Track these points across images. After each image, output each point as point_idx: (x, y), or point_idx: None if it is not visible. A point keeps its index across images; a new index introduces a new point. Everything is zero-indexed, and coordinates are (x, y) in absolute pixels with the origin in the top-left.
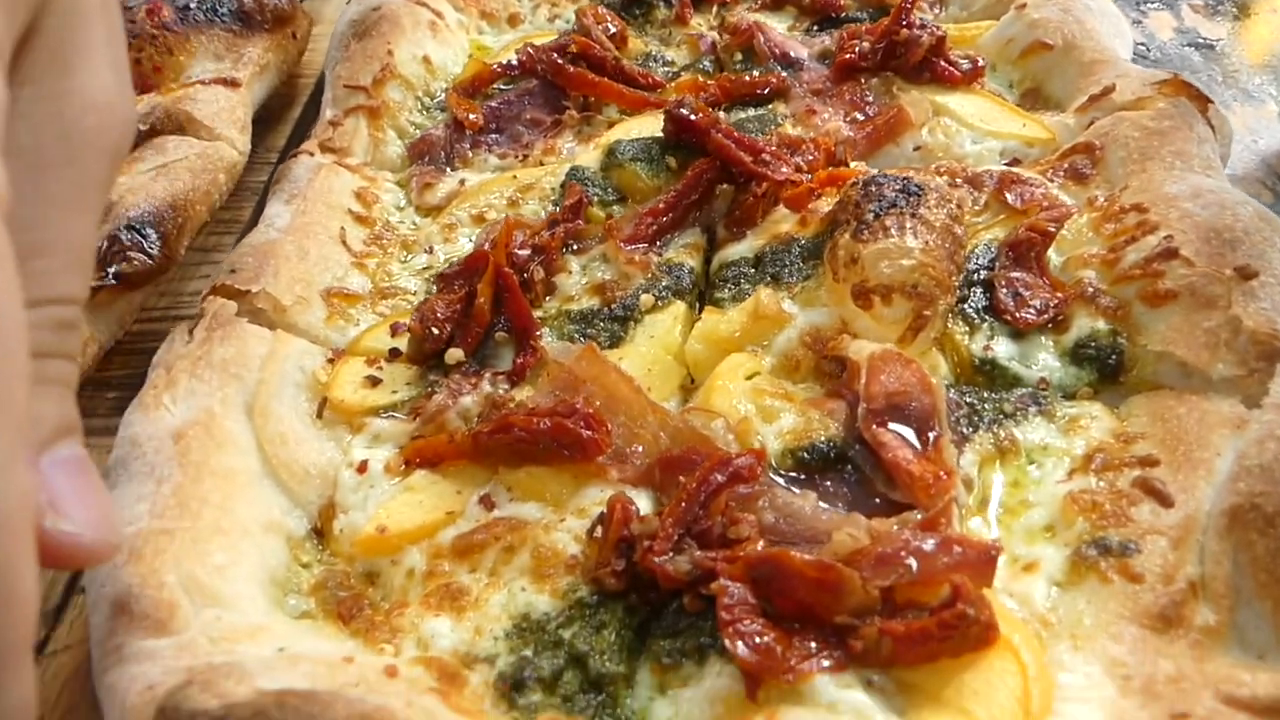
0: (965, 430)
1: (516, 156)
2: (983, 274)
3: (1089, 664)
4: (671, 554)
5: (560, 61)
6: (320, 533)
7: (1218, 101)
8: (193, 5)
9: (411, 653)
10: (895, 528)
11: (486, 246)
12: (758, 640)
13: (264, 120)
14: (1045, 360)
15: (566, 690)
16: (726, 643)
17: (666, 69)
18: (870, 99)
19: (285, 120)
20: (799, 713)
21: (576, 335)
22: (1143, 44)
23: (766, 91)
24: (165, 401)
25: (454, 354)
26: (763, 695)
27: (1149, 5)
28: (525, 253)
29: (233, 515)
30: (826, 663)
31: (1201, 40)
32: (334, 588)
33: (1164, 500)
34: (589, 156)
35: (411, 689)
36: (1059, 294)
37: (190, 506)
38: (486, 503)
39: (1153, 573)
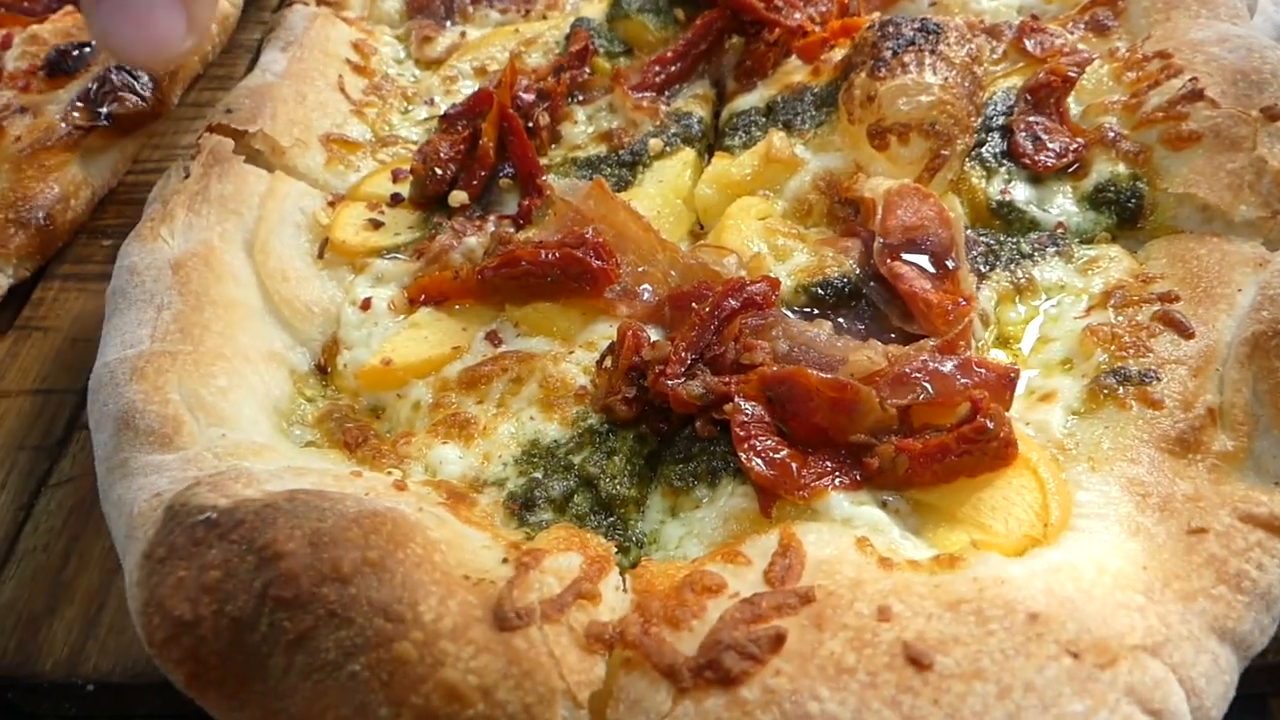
0: (983, 268)
1: (519, 10)
2: (1001, 120)
3: (1106, 483)
4: (684, 378)
5: None
6: (324, 369)
7: None
8: None
9: (420, 477)
10: (913, 352)
11: (491, 88)
12: (773, 456)
13: None
14: (1063, 204)
15: (577, 510)
16: (742, 458)
17: None
18: None
19: None
20: (814, 527)
21: (584, 179)
22: None
23: None
24: (163, 234)
25: (458, 196)
26: (777, 512)
27: None
28: (530, 97)
29: (235, 343)
30: (842, 480)
31: None
32: (339, 419)
33: (1184, 331)
34: (594, 9)
35: (421, 500)
36: (1079, 138)
37: (192, 332)
38: (493, 338)
39: (1172, 399)
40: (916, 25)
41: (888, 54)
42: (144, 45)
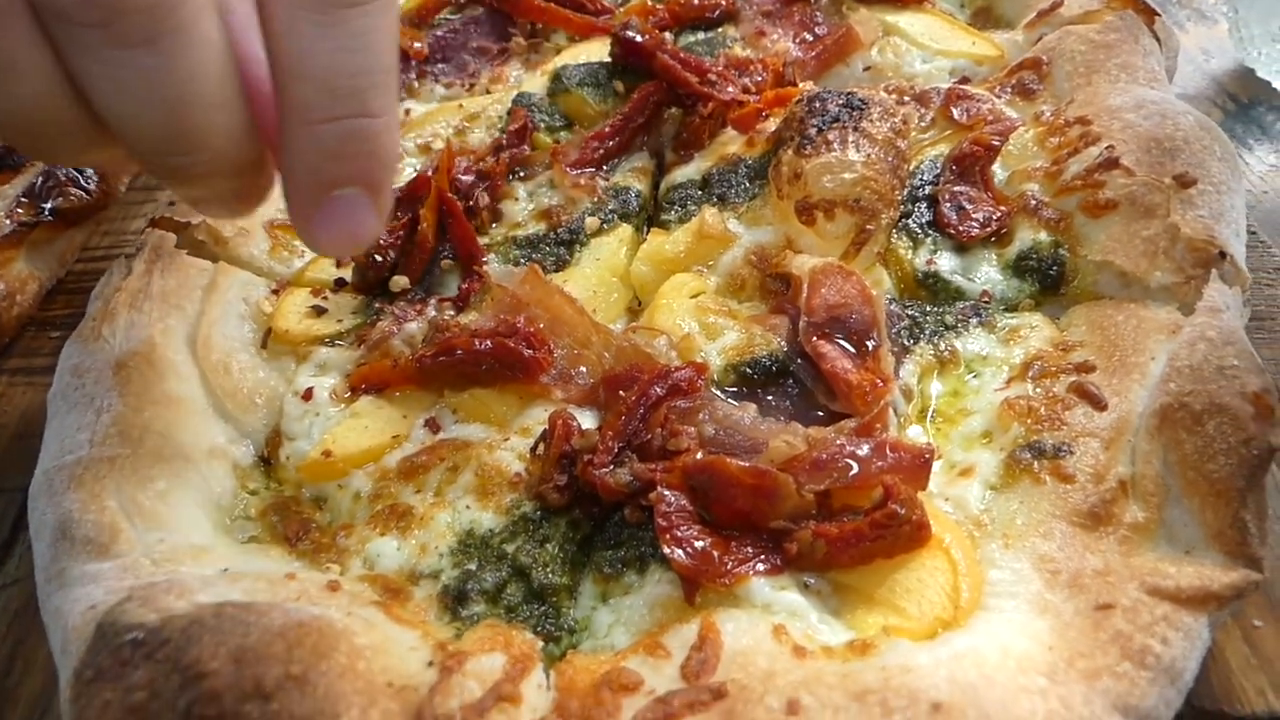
0: (907, 342)
1: (463, 86)
2: (927, 189)
3: (1018, 560)
4: (612, 466)
5: None
6: (267, 460)
7: (1171, 21)
8: None
9: (358, 571)
10: (832, 434)
11: (429, 173)
12: (695, 546)
13: None
14: (988, 273)
15: (510, 601)
16: (664, 549)
17: None
18: (820, 20)
19: None
20: (735, 614)
21: (522, 260)
22: None
23: (716, 14)
24: (104, 333)
25: (399, 281)
26: (700, 599)
27: None
28: (469, 178)
29: (175, 443)
30: (762, 566)
31: None
32: (280, 513)
33: (1097, 403)
34: (535, 83)
35: (353, 602)
36: (1002, 207)
37: (131, 434)
38: (432, 425)
39: (1084, 473)
40: (841, 101)
41: (813, 131)
42: (349, 246)
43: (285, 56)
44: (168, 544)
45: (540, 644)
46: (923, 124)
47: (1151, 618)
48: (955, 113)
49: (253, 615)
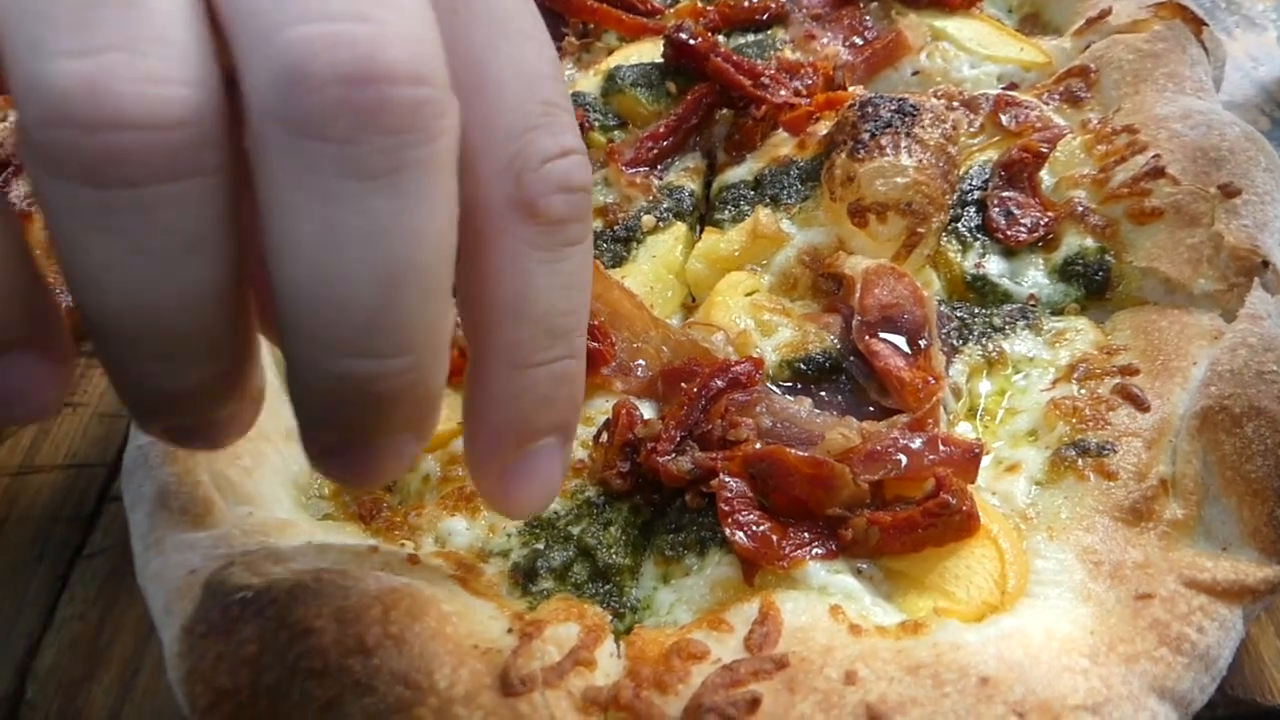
0: (955, 342)
1: None
2: (976, 194)
3: (1062, 551)
4: (674, 454)
5: None
6: None
7: (1219, 27)
8: None
9: (430, 548)
10: (885, 428)
11: None
12: (755, 529)
13: None
14: (1035, 277)
15: (576, 579)
16: (726, 532)
17: None
18: (869, 23)
19: None
20: (793, 595)
21: None
22: None
23: (765, 17)
24: None
25: None
26: (759, 581)
27: None
28: None
29: (257, 423)
30: (818, 551)
31: None
32: (352, 491)
33: (1140, 405)
34: (589, 83)
35: (433, 574)
36: (1049, 213)
37: None
38: None
39: (1127, 470)
40: (894, 107)
41: (866, 136)
42: (539, 505)
43: (506, 297)
44: (255, 517)
45: (609, 617)
46: (972, 129)
47: (1189, 608)
48: (1004, 119)
49: (350, 580)
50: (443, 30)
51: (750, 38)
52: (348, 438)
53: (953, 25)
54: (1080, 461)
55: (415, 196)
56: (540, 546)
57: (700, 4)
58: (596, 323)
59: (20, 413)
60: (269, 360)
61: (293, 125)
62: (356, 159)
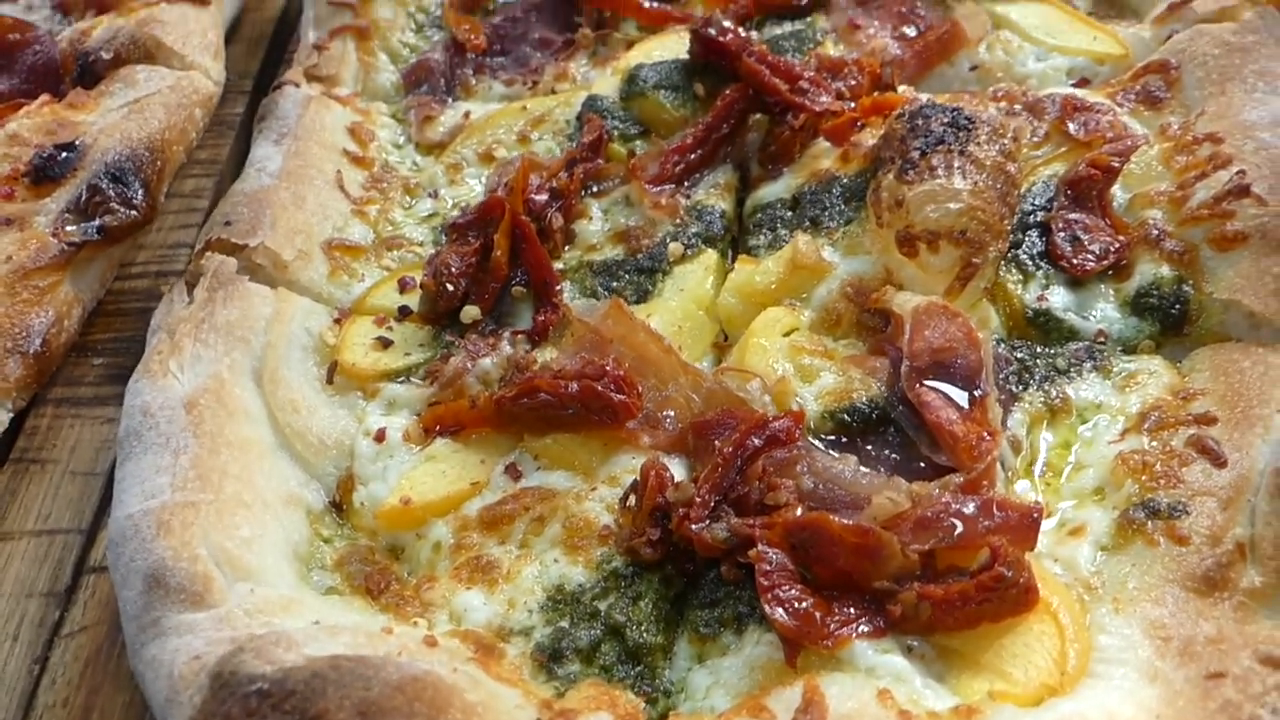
0: (1015, 388)
1: (525, 83)
2: (1039, 215)
3: (1128, 626)
4: (708, 521)
5: None
6: (339, 506)
7: None
8: None
9: (445, 626)
10: (936, 491)
11: (500, 192)
12: (797, 606)
13: (233, 42)
14: (1104, 310)
15: (605, 661)
16: (766, 609)
17: None
18: (921, 9)
19: (257, 42)
20: (839, 678)
21: (600, 289)
22: None
23: (804, 2)
24: (172, 368)
25: (470, 311)
26: (802, 662)
27: None
28: (542, 198)
29: (253, 487)
30: (865, 628)
31: None
32: (358, 562)
33: (1217, 460)
34: (606, 83)
35: (453, 658)
36: (1121, 237)
37: (211, 479)
38: (513, 472)
39: (1200, 535)
40: (947, 119)
41: (915, 154)
42: None
43: None
44: (258, 595)
45: (643, 704)
46: (1035, 139)
47: (1263, 687)
48: (1072, 127)
49: (369, 669)
50: None
51: (787, 27)
52: None
53: (1016, 11)
54: (1150, 524)
55: None
56: (565, 624)
57: None
58: (621, 372)
59: None
60: (262, 414)
61: None
62: None
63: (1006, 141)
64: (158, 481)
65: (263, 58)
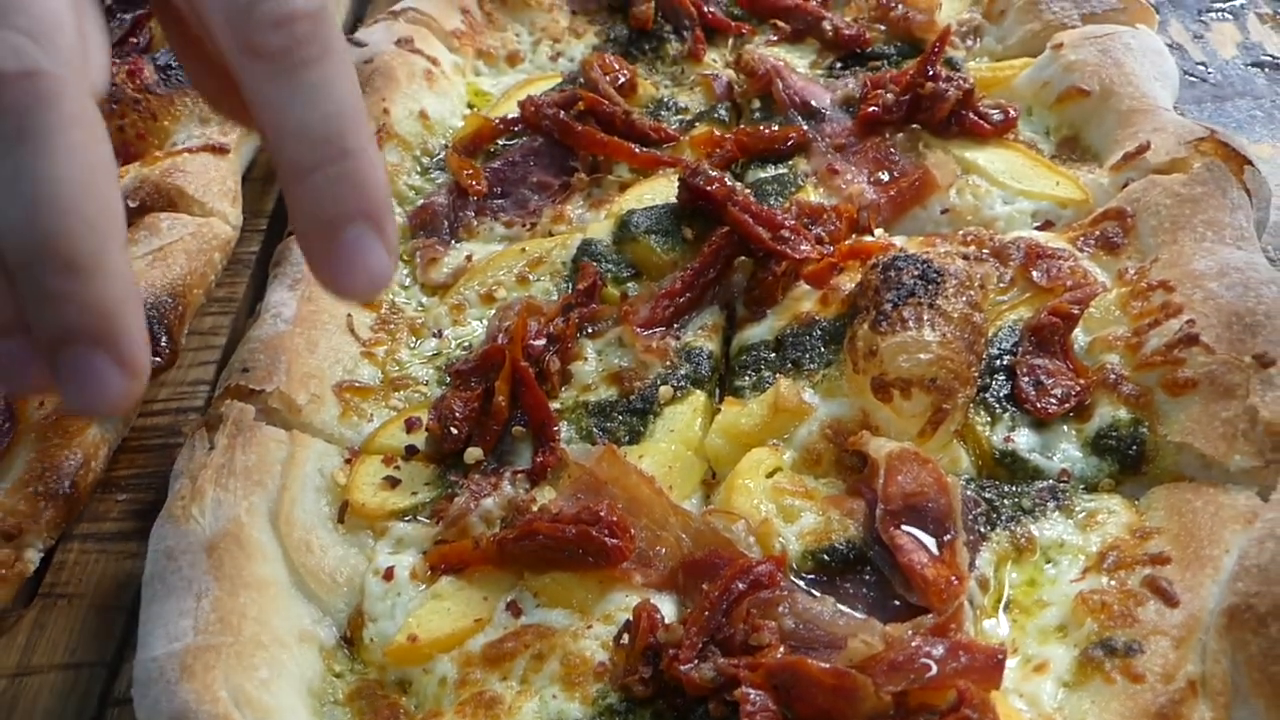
0: (983, 529)
1: (524, 225)
2: (1006, 359)
3: None
4: (696, 661)
5: (567, 120)
6: (350, 641)
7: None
8: (174, 64)
9: None
10: (909, 633)
11: (501, 339)
12: None
13: (246, 180)
14: (1067, 450)
15: None
16: None
17: (680, 117)
18: (895, 156)
19: (269, 180)
20: None
21: (595, 429)
22: (1203, 64)
23: (787, 146)
24: (194, 514)
25: (473, 453)
26: None
27: (1212, 15)
28: (540, 343)
29: (269, 628)
30: None
31: (1268, 58)
32: (368, 697)
33: (1169, 600)
34: (600, 227)
35: None
36: (1081, 380)
37: (230, 621)
38: (514, 609)
39: (1154, 672)
40: (917, 272)
41: (888, 306)
42: (370, 285)
43: (266, 125)
44: None
45: None
46: (1001, 284)
47: None
48: (1035, 274)
49: None
50: None
51: (770, 171)
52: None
53: (984, 157)
54: (1107, 662)
55: (39, 150)
56: None
57: (717, 132)
58: (614, 517)
59: (14, 384)
60: (278, 554)
61: None
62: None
63: (973, 293)
64: (181, 625)
65: (276, 195)
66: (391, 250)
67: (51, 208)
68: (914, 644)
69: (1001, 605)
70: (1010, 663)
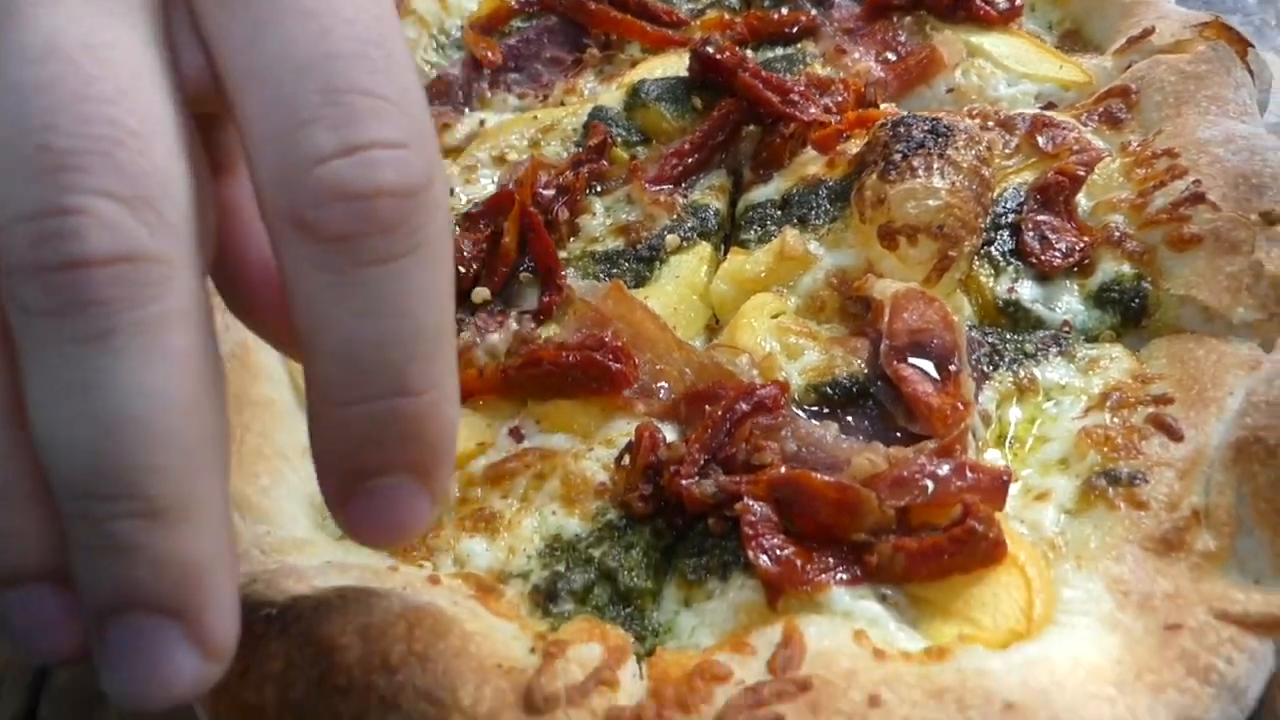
0: (986, 369)
1: (537, 96)
2: (1010, 217)
3: (1090, 581)
4: (697, 478)
5: None
6: None
7: (1268, 46)
8: None
9: (449, 569)
10: (912, 454)
11: (511, 186)
12: (779, 553)
13: None
14: (1069, 303)
15: (597, 601)
16: (750, 555)
17: (691, 5)
18: (902, 38)
19: None
20: (817, 620)
21: (602, 275)
22: None
23: (795, 30)
24: None
25: (480, 293)
26: (782, 605)
27: None
28: (550, 193)
29: (273, 441)
30: (843, 576)
31: None
32: None
33: (1174, 435)
34: (612, 96)
35: (454, 594)
36: (1085, 237)
37: (234, 434)
38: (516, 434)
39: (1158, 501)
40: (927, 127)
41: (897, 157)
42: (397, 538)
43: (301, 328)
44: (274, 536)
45: (631, 639)
46: (1007, 150)
47: (1218, 639)
48: (1040, 140)
49: (373, 598)
50: (207, 30)
51: (779, 51)
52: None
53: (989, 41)
54: (1111, 491)
55: (128, 355)
56: (561, 569)
57: (727, 16)
58: (619, 344)
59: (42, 646)
60: (283, 376)
61: (15, 304)
62: (67, 330)
63: (982, 148)
64: None
65: None
66: (438, 498)
67: (133, 431)
68: (919, 463)
69: (1006, 442)
70: (1012, 490)
